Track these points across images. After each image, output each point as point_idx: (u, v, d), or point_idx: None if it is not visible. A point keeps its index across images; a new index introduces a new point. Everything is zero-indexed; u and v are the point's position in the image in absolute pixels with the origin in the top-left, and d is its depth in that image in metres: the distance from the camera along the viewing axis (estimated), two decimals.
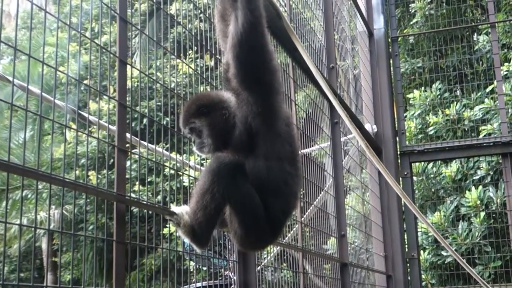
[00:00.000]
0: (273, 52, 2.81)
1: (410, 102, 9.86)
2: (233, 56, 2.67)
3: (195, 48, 3.61)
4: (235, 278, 3.57)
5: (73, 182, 2.38)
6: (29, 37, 5.89)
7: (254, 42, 2.65)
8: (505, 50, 9.95)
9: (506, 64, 9.40)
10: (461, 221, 8.68)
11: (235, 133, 2.81)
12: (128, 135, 2.83)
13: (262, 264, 4.73)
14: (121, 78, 2.73)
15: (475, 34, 10.13)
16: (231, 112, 2.84)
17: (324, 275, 5.25)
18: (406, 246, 7.42)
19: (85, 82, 9.19)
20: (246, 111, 2.75)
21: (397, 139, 7.79)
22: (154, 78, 3.18)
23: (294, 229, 4.89)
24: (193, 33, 3.49)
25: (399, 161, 7.67)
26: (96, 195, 2.61)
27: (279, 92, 2.87)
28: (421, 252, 8.67)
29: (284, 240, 4.71)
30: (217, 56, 3.61)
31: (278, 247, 4.67)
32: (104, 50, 2.74)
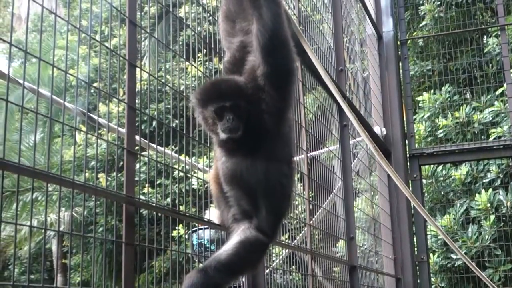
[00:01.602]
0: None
1: (419, 104, 9.81)
2: (266, 53, 2.62)
3: (204, 50, 3.62)
4: (243, 280, 3.57)
5: (83, 184, 2.40)
6: (40, 40, 5.95)
7: (283, 33, 2.65)
8: None
9: None
10: (470, 224, 8.63)
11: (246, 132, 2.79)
12: (137, 137, 2.84)
13: (271, 266, 4.73)
14: (130, 80, 2.74)
15: (485, 36, 10.07)
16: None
17: (333, 277, 5.24)
18: (416, 249, 7.39)
19: (94, 84, 9.22)
20: (263, 110, 2.72)
21: (406, 141, 7.77)
22: (163, 80, 3.20)
23: (303, 231, 4.88)
24: (202, 36, 3.51)
25: (408, 163, 7.65)
26: (105, 197, 2.63)
27: (295, 84, 2.88)
28: (431, 255, 8.62)
29: (293, 243, 4.70)
30: None
31: (287, 250, 4.67)
32: (113, 53, 2.76)
